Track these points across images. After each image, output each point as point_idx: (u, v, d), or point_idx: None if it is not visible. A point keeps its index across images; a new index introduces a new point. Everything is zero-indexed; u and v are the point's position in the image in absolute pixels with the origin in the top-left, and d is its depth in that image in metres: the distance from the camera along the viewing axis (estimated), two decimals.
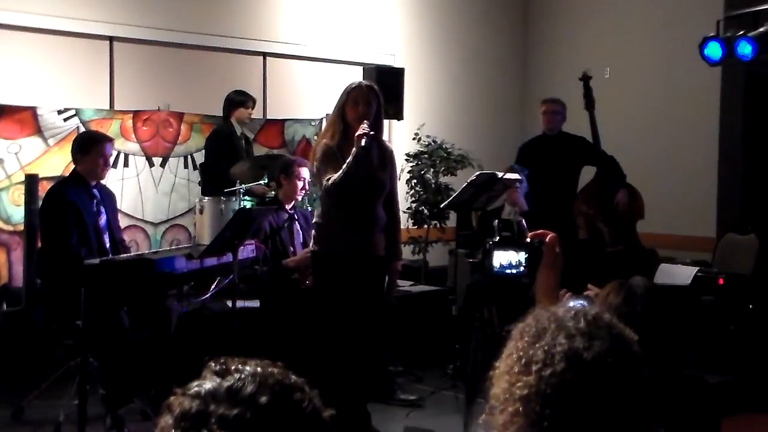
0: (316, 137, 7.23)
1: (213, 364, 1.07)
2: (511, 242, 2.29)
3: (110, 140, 5.07)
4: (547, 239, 2.25)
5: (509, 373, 1.34)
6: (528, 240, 2.26)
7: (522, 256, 2.26)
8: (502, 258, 2.27)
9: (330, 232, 4.44)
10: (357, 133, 4.26)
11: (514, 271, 2.26)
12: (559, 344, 1.32)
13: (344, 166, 4.27)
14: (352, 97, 4.38)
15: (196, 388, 1.04)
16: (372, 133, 4.26)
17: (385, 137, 4.95)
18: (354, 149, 4.25)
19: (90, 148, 4.85)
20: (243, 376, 1.04)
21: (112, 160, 5.10)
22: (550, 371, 1.30)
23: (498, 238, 2.29)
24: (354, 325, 4.40)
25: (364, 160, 4.28)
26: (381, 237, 4.53)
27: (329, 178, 4.32)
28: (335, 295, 4.41)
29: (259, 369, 1.06)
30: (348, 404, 4.48)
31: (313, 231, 4.62)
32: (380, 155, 4.50)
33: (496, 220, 2.36)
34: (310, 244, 4.65)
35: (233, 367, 1.06)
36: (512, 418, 1.31)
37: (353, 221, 4.40)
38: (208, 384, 1.04)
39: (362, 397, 4.56)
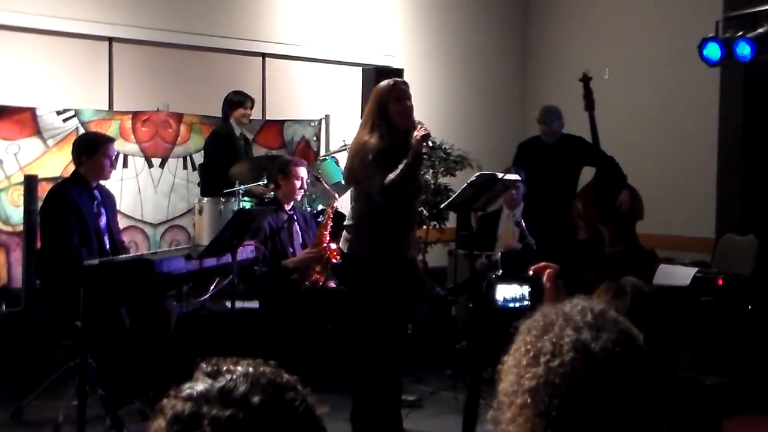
0: (315, 138, 7.26)
1: (204, 365, 1.07)
2: (514, 276, 2.24)
3: (113, 141, 5.10)
4: (545, 274, 2.13)
5: (517, 366, 1.35)
6: (530, 272, 2.19)
7: (525, 289, 2.18)
8: (506, 292, 2.22)
9: (374, 235, 4.28)
10: (420, 134, 4.16)
11: (517, 304, 2.20)
12: (566, 335, 1.33)
13: (403, 166, 4.14)
14: (393, 95, 4.27)
15: (188, 390, 1.03)
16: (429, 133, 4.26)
17: None
18: (414, 149, 4.16)
19: (96, 149, 4.86)
20: (235, 376, 1.04)
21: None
22: (558, 361, 1.30)
23: (501, 271, 2.22)
24: (392, 328, 4.31)
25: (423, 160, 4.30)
26: (415, 238, 4.51)
27: (386, 179, 4.15)
28: (373, 298, 4.27)
29: (251, 369, 1.05)
30: (381, 408, 4.41)
31: (345, 233, 4.39)
32: None
33: (500, 253, 2.33)
34: (345, 249, 4.38)
35: (225, 368, 1.05)
36: (520, 411, 1.32)
37: (397, 222, 4.31)
38: (200, 385, 1.03)
39: (396, 399, 4.50)
